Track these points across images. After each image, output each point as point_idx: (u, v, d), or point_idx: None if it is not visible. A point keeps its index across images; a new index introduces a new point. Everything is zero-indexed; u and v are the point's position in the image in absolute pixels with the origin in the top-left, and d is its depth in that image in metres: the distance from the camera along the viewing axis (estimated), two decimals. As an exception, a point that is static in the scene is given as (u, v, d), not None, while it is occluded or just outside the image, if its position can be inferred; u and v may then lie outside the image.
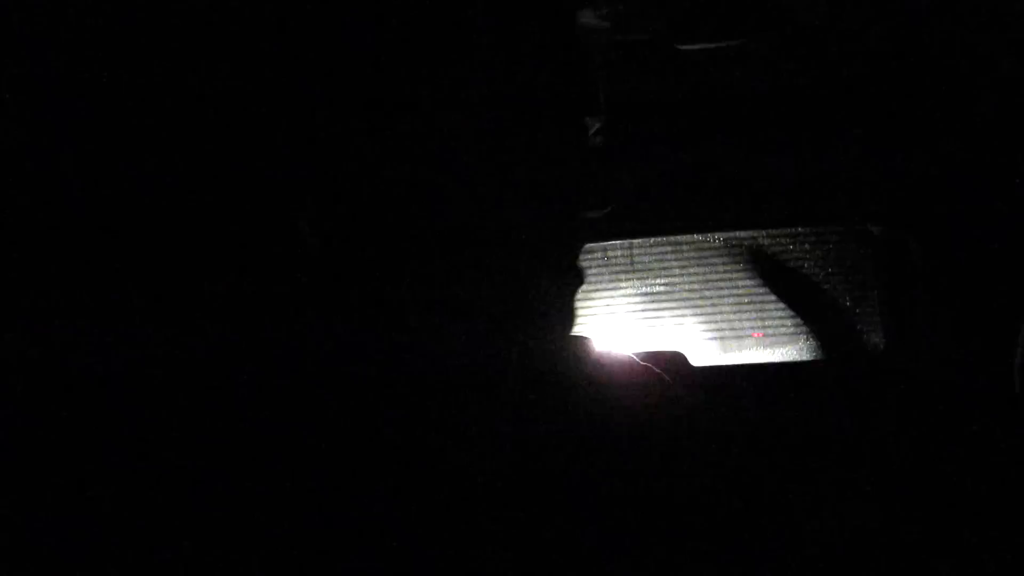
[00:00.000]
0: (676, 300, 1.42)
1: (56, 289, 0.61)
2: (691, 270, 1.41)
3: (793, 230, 1.38)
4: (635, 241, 1.41)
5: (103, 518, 0.54)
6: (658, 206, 1.35)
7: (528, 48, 0.64)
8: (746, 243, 1.39)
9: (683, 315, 1.42)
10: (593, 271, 1.42)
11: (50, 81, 0.59)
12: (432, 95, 0.60)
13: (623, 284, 1.42)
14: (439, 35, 0.60)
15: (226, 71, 0.57)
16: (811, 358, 1.36)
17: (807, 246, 1.38)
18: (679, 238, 1.40)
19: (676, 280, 1.41)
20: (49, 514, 0.55)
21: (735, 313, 1.40)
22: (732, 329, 1.40)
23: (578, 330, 0.70)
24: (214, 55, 0.57)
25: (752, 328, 1.39)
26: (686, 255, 1.41)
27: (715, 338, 1.41)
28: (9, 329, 0.60)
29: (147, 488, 0.55)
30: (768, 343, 1.38)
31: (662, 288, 1.42)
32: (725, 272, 1.40)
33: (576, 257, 0.71)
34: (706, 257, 1.41)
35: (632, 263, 1.42)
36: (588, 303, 1.43)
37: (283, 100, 0.58)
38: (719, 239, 1.40)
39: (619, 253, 1.42)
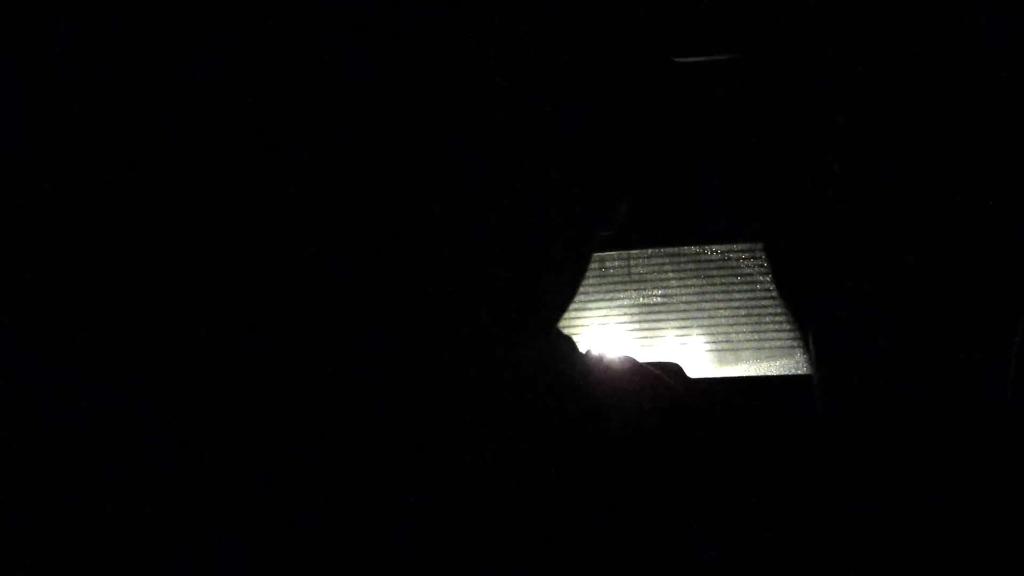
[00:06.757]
0: (673, 312, 1.41)
1: (63, 290, 0.61)
2: (689, 282, 1.41)
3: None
4: (633, 252, 1.41)
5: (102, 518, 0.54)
6: (656, 217, 1.35)
7: (536, 53, 0.64)
8: (744, 255, 1.39)
9: (680, 327, 1.42)
10: (590, 281, 1.42)
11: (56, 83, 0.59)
12: (438, 103, 0.59)
13: (620, 295, 1.42)
14: (442, 41, 0.60)
15: (233, 79, 0.57)
16: (808, 371, 1.36)
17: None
18: (677, 249, 1.40)
19: (673, 292, 1.41)
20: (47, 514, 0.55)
21: (732, 325, 1.40)
22: (729, 341, 1.40)
23: (576, 339, 0.70)
24: (229, 67, 0.57)
25: (749, 340, 1.39)
26: (684, 267, 1.41)
27: (712, 350, 1.40)
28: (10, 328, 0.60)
29: (149, 488, 0.54)
30: (765, 355, 1.38)
31: (659, 299, 1.42)
32: (723, 284, 1.40)
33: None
34: (704, 269, 1.40)
35: (629, 274, 1.42)
36: (585, 313, 1.43)
37: (293, 112, 0.58)
38: (717, 251, 1.40)
39: (616, 264, 1.42)
